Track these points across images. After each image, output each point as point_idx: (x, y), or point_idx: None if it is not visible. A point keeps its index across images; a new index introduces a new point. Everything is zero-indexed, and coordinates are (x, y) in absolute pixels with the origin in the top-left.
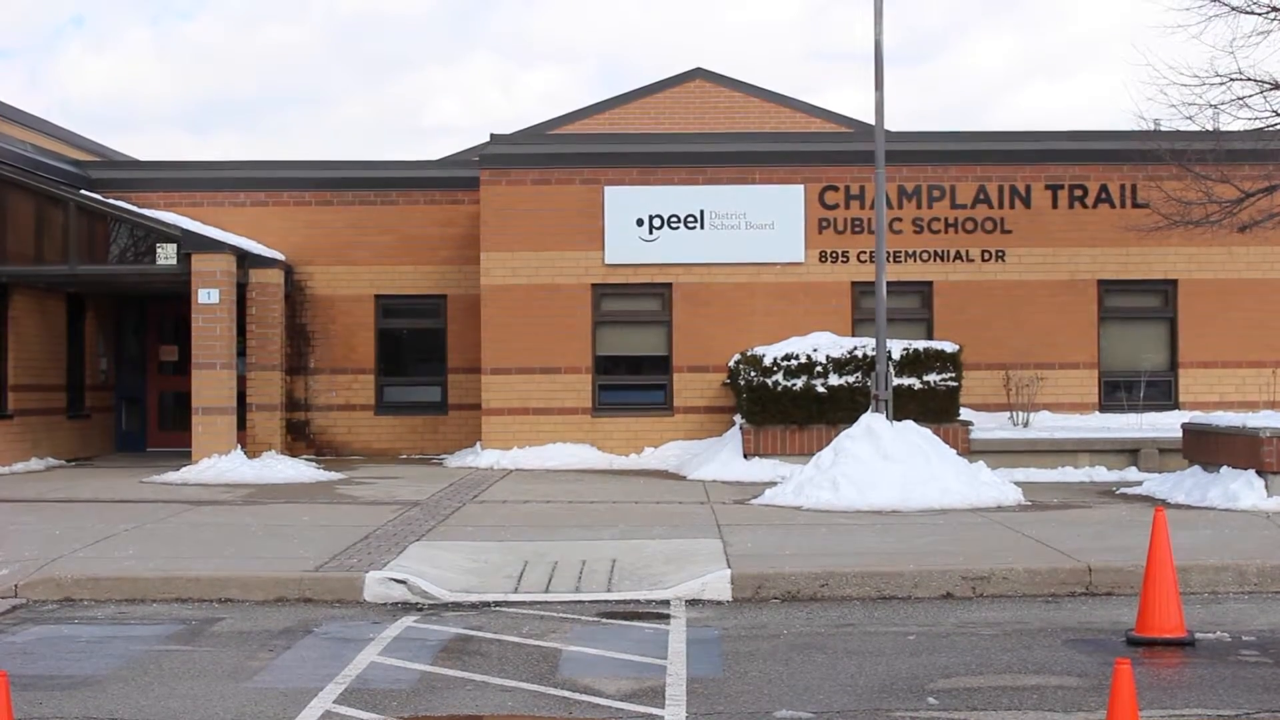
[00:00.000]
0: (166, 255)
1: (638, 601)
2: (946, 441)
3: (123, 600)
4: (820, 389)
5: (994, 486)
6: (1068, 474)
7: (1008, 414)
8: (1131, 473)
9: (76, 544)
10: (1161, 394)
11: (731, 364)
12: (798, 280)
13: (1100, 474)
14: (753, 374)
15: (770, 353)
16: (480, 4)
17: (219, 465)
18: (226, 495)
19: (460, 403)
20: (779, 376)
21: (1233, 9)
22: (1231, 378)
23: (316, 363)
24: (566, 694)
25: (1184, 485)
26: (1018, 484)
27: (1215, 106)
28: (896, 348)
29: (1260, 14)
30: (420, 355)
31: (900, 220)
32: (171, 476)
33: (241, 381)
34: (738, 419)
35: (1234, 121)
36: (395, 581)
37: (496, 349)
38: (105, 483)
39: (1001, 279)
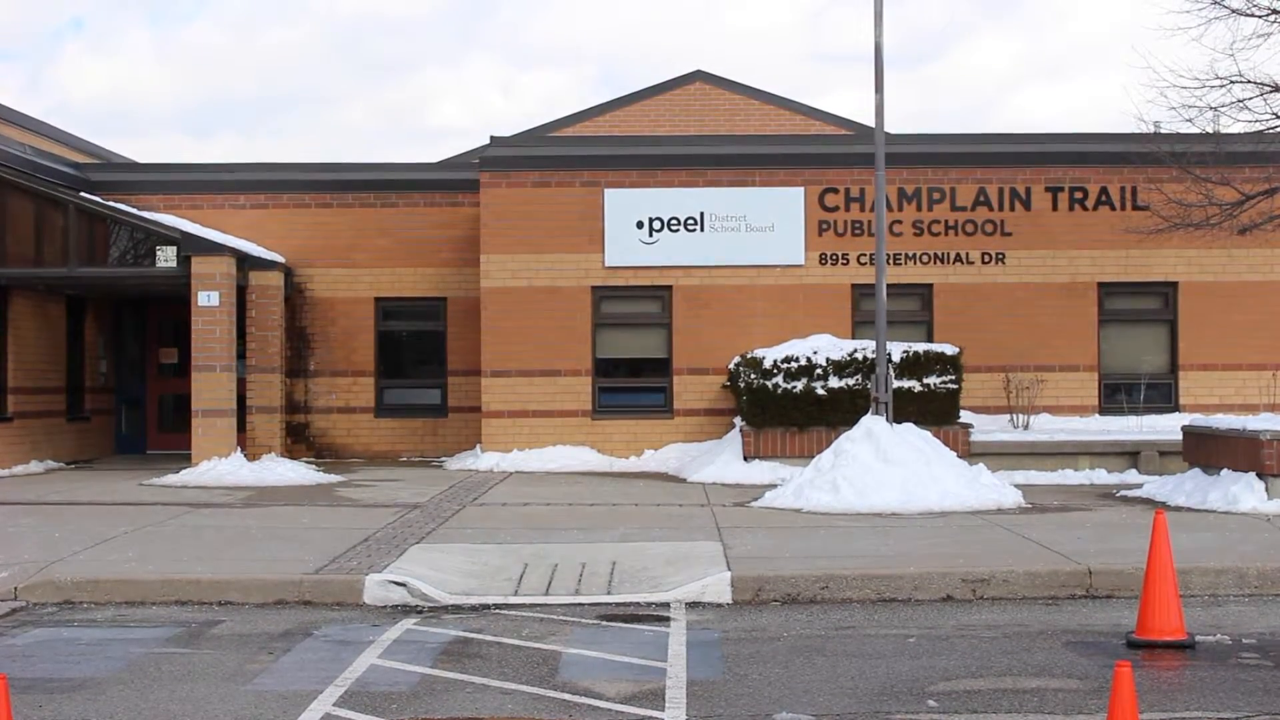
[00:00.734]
0: (166, 258)
1: (638, 604)
2: (947, 444)
3: (122, 603)
4: (820, 391)
5: (994, 489)
6: (1068, 476)
7: (1008, 416)
8: (1132, 475)
9: (76, 546)
10: (1162, 396)
11: (731, 366)
12: (798, 282)
13: (1100, 476)
14: (753, 376)
15: (770, 355)
16: (481, 6)
17: (219, 468)
18: (226, 498)
19: (460, 405)
20: (779, 379)
21: (1233, 11)
22: (1232, 380)
23: (316, 365)
24: (566, 696)
25: (1184, 488)
26: (1018, 486)
27: (1215, 109)
28: (897, 350)
29: (1260, 16)
30: (420, 357)
31: (900, 222)
32: (171, 479)
33: (241, 384)
34: (738, 421)
35: (1234, 124)
36: (395, 584)
37: (496, 351)
38: (105, 485)
39: (1002, 281)
